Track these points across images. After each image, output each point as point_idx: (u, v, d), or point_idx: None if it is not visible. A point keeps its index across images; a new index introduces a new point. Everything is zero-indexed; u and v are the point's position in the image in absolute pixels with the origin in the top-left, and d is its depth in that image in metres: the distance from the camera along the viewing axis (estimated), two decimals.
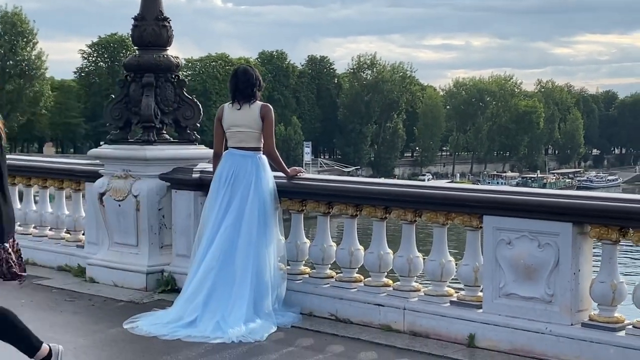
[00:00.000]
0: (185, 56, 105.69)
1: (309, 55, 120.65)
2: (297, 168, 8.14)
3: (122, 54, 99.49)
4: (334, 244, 7.94)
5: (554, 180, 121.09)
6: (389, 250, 7.60)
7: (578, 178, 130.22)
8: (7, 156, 5.69)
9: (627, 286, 6.39)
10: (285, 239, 8.01)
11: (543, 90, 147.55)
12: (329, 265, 7.98)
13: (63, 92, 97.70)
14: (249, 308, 7.39)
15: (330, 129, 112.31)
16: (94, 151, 9.38)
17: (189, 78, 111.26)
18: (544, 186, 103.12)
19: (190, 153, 9.05)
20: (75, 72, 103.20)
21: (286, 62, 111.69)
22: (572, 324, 6.39)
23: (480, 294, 6.99)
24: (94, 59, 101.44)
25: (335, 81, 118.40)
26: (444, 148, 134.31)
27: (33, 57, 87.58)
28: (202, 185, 8.57)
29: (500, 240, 6.71)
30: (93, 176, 9.34)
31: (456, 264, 7.22)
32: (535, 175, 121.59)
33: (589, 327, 6.33)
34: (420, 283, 7.52)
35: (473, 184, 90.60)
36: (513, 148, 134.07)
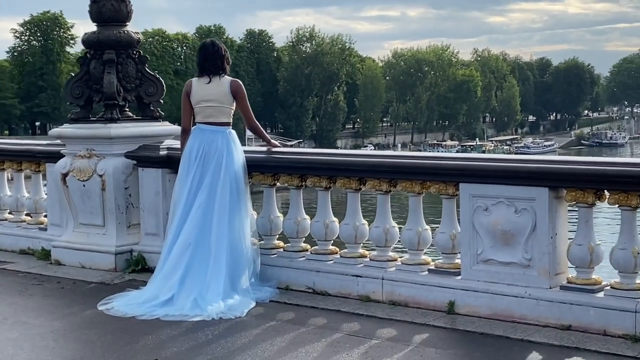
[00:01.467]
0: None
1: (247, 30, 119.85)
2: (275, 142, 8.12)
3: (55, 32, 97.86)
4: (307, 217, 7.91)
5: (492, 147, 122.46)
6: (364, 221, 7.60)
7: (516, 144, 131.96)
8: None
9: (604, 247, 6.47)
10: (257, 213, 8.00)
11: (479, 59, 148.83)
12: (303, 239, 7.96)
13: None
14: (226, 284, 7.34)
15: (271, 103, 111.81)
16: (55, 131, 9.19)
17: None
18: (482, 153, 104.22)
19: (155, 130, 8.93)
20: (7, 52, 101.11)
21: (224, 37, 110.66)
22: (550, 287, 6.46)
23: (458, 261, 7.03)
24: (26, 37, 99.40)
25: (275, 55, 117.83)
26: (385, 119, 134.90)
27: None
28: (169, 162, 8.48)
29: (477, 207, 6.75)
30: (54, 156, 9.17)
31: (432, 232, 7.25)
32: (474, 143, 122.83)
33: (568, 290, 6.40)
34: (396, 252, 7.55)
35: None
36: (452, 117, 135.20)
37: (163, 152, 8.52)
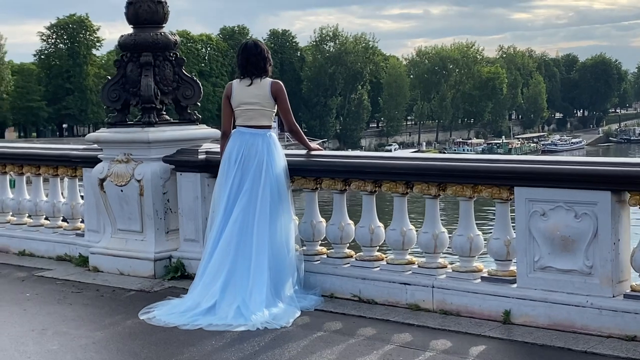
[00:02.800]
0: None
1: (270, 30, 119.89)
2: (316, 145, 7.90)
3: (81, 35, 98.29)
4: (351, 222, 7.67)
5: (519, 145, 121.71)
6: (412, 227, 7.35)
7: (542, 142, 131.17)
8: None
9: None
10: (298, 218, 7.77)
11: (505, 56, 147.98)
12: (347, 245, 7.71)
13: (23, 75, 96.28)
14: (269, 292, 7.10)
15: (295, 102, 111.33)
16: (92, 135, 8.98)
17: None
18: (509, 151, 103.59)
19: (193, 133, 8.71)
20: (34, 55, 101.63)
21: (248, 37, 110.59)
22: (613, 296, 6.17)
23: (513, 268, 6.76)
24: (53, 40, 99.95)
25: (298, 54, 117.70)
26: (409, 117, 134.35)
27: None
28: (208, 167, 8.26)
29: (533, 212, 6.46)
30: (91, 161, 8.98)
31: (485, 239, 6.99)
32: (501, 141, 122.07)
33: (632, 298, 6.11)
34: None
35: (440, 152, 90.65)
36: (477, 115, 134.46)
37: (202, 156, 8.30)
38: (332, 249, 7.73)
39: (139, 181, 8.45)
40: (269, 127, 7.52)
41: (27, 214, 10.13)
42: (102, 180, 8.69)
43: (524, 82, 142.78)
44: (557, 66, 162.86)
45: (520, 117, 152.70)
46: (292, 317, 6.90)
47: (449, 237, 7.13)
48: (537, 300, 6.43)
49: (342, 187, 7.57)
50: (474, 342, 6.19)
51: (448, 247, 7.22)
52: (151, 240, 8.50)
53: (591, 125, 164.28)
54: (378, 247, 7.57)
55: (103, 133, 8.81)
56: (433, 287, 6.96)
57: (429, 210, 7.16)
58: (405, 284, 7.11)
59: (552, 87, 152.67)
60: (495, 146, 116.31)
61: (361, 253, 7.55)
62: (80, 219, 9.67)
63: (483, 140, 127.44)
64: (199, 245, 8.29)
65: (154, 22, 8.68)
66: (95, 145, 9.04)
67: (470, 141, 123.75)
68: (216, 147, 8.62)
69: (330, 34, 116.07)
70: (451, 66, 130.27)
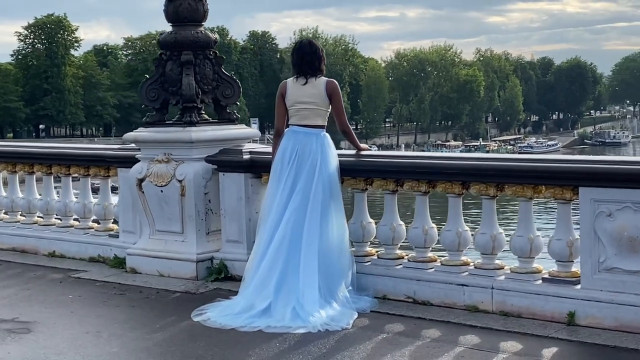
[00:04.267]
0: (118, 36, 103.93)
1: (250, 31, 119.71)
2: (366, 146, 7.84)
3: (59, 35, 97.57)
4: (402, 223, 7.61)
5: (495, 147, 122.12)
6: (467, 228, 7.29)
7: (519, 144, 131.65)
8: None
9: None
10: (348, 219, 7.69)
11: (482, 59, 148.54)
12: (398, 246, 7.65)
13: (0, 75, 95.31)
14: (323, 292, 7.01)
15: (275, 104, 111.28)
16: (130, 135, 8.84)
17: (129, 57, 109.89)
18: (486, 153, 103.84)
19: (234, 133, 8.61)
20: (12, 55, 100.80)
21: (228, 38, 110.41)
22: None
23: (575, 269, 6.71)
24: (30, 40, 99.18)
25: (278, 56, 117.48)
26: (388, 119, 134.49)
27: None
28: (253, 167, 8.17)
29: (599, 212, 6.42)
30: (127, 161, 8.85)
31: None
32: (478, 143, 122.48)
33: None
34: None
35: None
36: (455, 117, 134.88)
37: (246, 157, 8.19)
38: (382, 250, 7.66)
39: (180, 181, 8.34)
40: (323, 126, 7.44)
41: (54, 215, 9.97)
42: (141, 181, 8.57)
43: (500, 84, 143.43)
44: (533, 69, 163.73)
45: (497, 119, 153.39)
46: (351, 318, 6.82)
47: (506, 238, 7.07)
48: (603, 301, 6.38)
49: (394, 188, 7.50)
50: (543, 344, 6.13)
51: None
52: (192, 241, 8.39)
53: (567, 128, 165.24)
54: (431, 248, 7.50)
55: (142, 132, 8.68)
56: (492, 288, 6.90)
57: (487, 211, 7.10)
58: (463, 285, 7.05)
59: (528, 90, 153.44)
60: (473, 148, 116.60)
61: (413, 254, 7.48)
62: (112, 220, 9.54)
63: (461, 142, 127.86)
64: (243, 246, 8.20)
65: (194, 20, 8.57)
66: (132, 145, 8.92)
67: (448, 143, 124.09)
68: (260, 148, 8.57)
69: (310, 35, 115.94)
70: (429, 69, 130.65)
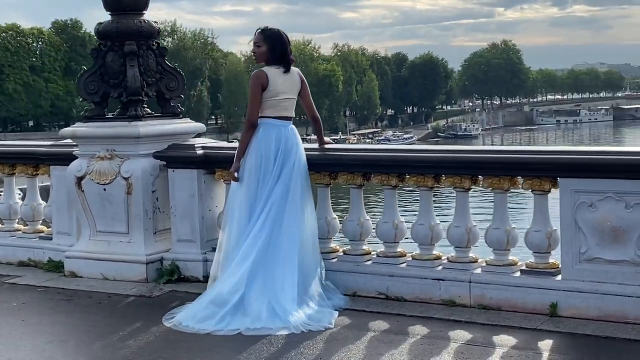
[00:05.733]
0: None
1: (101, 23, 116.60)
2: (328, 139, 7.62)
3: None
4: (369, 218, 7.44)
5: (355, 140, 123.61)
6: (439, 221, 7.19)
7: (377, 137, 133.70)
8: None
9: None
10: None
11: (339, 54, 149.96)
12: (365, 241, 7.47)
13: None
14: (299, 290, 6.76)
15: None
16: (67, 130, 8.32)
17: None
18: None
19: (183, 127, 8.25)
20: None
21: (82, 31, 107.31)
22: None
23: (553, 260, 6.71)
24: None
25: (90, 51, 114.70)
26: None
27: None
28: (206, 163, 7.83)
29: (580, 203, 6.42)
30: (62, 158, 8.34)
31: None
32: (338, 137, 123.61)
33: None
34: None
35: None
36: None
37: (199, 152, 7.84)
38: (349, 246, 7.47)
39: (126, 179, 7.90)
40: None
41: None
42: (81, 179, 8.09)
43: (358, 79, 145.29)
44: (388, 64, 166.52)
45: (355, 113, 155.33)
46: (332, 317, 6.61)
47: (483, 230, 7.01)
48: (585, 292, 6.39)
49: (361, 182, 7.32)
50: (535, 336, 6.08)
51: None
52: (140, 241, 7.96)
53: (421, 122, 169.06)
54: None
55: (80, 128, 8.18)
56: (470, 281, 6.82)
57: (460, 204, 7.02)
58: (439, 279, 6.94)
59: (384, 85, 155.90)
60: (333, 142, 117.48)
61: (382, 249, 7.33)
62: (41, 222, 8.97)
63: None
64: (196, 245, 7.87)
65: (136, 9, 8.15)
66: (66, 141, 8.40)
67: (309, 137, 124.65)
68: (211, 142, 8.24)
69: (169, 29, 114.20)
70: None
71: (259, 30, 7.25)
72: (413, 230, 7.18)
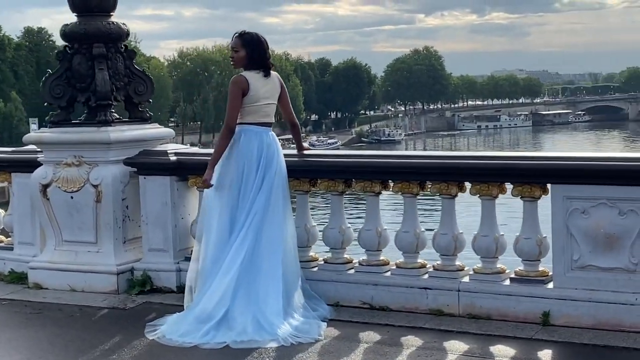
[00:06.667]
0: None
1: (25, 27, 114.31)
2: (306, 144, 7.42)
3: None
4: (350, 226, 7.27)
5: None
6: (423, 229, 7.06)
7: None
8: None
9: None
10: None
11: None
12: (346, 250, 7.30)
13: None
14: (283, 302, 6.55)
15: None
16: (31, 136, 7.96)
17: None
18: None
19: (154, 133, 7.99)
20: None
21: (0, 34, 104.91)
22: None
23: (543, 268, 6.63)
24: None
25: (56, 53, 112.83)
26: (172, 119, 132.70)
27: None
28: (179, 169, 7.57)
29: (573, 209, 6.35)
30: (25, 165, 7.99)
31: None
32: None
33: None
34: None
35: None
36: None
37: (173, 158, 7.57)
38: (330, 254, 7.29)
39: (95, 186, 7.59)
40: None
41: None
42: (46, 187, 7.75)
43: None
44: (312, 69, 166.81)
45: (280, 119, 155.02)
46: (321, 328, 6.40)
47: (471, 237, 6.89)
48: (579, 300, 6.32)
49: (342, 189, 7.16)
50: (532, 346, 5.98)
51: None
52: (109, 251, 7.66)
53: (344, 127, 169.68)
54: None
55: (46, 133, 7.84)
56: (459, 290, 6.70)
57: (446, 211, 6.89)
58: (426, 288, 6.80)
59: (308, 90, 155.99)
60: (311, 148, 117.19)
61: (365, 257, 7.16)
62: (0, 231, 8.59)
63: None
64: (169, 255, 7.61)
65: (104, 10, 7.86)
66: (30, 147, 8.05)
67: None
68: (183, 148, 7.98)
69: None
70: (213, 67, 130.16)
71: (237, 34, 7.02)
72: (397, 238, 7.02)
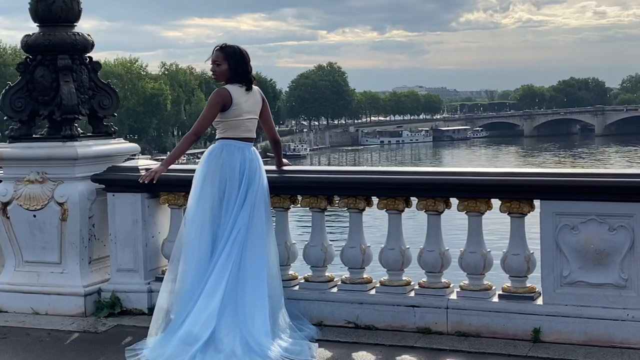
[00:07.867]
0: None
1: None
2: (286, 160, 7.23)
3: None
4: (331, 244, 7.11)
5: (184, 160, 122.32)
6: (408, 245, 6.94)
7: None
8: None
9: None
10: None
11: (167, 72, 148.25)
12: (327, 268, 7.13)
13: None
14: (270, 320, 6.33)
15: None
16: None
17: None
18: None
19: (120, 148, 7.68)
20: None
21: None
22: None
23: (530, 284, 6.59)
24: None
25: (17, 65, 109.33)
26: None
27: None
28: (150, 186, 7.25)
29: (562, 225, 6.33)
30: None
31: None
32: (165, 157, 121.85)
33: None
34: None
35: None
36: (142, 131, 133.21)
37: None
38: (311, 273, 7.11)
39: (61, 204, 7.24)
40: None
41: None
42: (6, 205, 7.37)
43: (186, 98, 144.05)
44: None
45: (182, 133, 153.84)
46: (312, 349, 6.21)
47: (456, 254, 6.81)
48: (570, 316, 6.30)
49: (325, 205, 7.00)
50: None
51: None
52: (75, 272, 7.32)
53: None
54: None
55: (6, 149, 7.44)
56: (447, 308, 6.60)
57: (432, 228, 6.79)
58: (413, 306, 6.68)
59: None
60: (290, 164, 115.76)
61: (348, 275, 7.01)
62: None
63: (149, 156, 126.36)
64: (139, 275, 7.31)
65: (68, 21, 7.52)
66: None
67: (137, 158, 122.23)
68: (151, 164, 7.68)
69: None
70: (115, 81, 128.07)
71: (218, 47, 6.81)
72: (382, 255, 6.89)
